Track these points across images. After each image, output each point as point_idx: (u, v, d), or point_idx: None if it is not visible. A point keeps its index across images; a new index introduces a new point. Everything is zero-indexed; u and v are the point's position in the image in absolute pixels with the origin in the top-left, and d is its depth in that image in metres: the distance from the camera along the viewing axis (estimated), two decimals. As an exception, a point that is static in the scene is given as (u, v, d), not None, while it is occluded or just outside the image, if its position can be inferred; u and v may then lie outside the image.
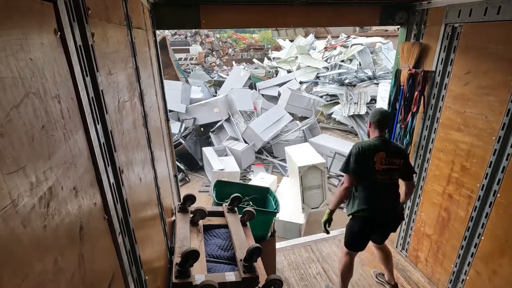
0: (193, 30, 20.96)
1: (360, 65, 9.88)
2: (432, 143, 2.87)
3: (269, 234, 2.86)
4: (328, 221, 2.54)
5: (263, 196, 3.20)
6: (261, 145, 6.88)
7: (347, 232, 2.59)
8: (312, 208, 4.67)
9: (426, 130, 2.91)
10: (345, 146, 6.20)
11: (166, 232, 2.05)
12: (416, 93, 2.86)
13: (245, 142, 6.83)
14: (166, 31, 16.97)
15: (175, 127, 6.83)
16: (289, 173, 5.48)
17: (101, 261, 0.82)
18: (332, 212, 2.52)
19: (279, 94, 9.12)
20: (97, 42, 0.91)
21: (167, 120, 2.97)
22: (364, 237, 2.60)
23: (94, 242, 0.78)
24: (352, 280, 2.97)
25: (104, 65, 0.99)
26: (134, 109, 1.42)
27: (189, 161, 6.52)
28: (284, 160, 6.88)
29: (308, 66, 10.83)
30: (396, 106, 3.16)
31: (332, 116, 8.65)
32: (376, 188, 2.42)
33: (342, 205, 4.99)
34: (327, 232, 2.57)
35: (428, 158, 2.93)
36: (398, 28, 3.20)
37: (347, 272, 2.64)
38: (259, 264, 1.86)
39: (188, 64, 16.88)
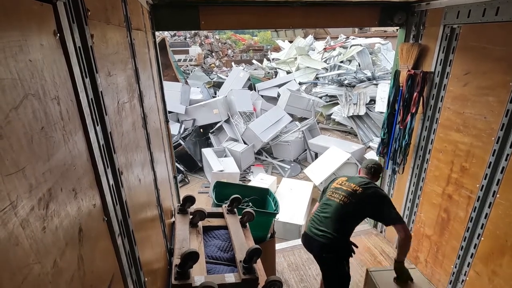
0: (193, 32, 20.96)
1: (359, 66, 9.89)
2: (431, 143, 2.87)
3: (269, 235, 2.86)
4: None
5: (262, 197, 3.20)
6: (261, 146, 6.87)
7: None
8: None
9: (425, 130, 2.91)
10: (345, 146, 6.20)
11: (166, 234, 2.05)
12: (415, 93, 2.86)
13: (245, 143, 6.83)
14: (166, 32, 17.00)
15: (174, 128, 6.82)
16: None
17: (100, 263, 0.82)
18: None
19: (279, 95, 9.12)
20: (97, 44, 0.91)
21: (167, 121, 2.97)
22: (308, 251, 2.48)
23: (94, 243, 0.78)
24: (352, 281, 2.97)
25: (104, 66, 0.99)
26: (134, 111, 1.42)
27: (188, 162, 6.52)
28: (283, 161, 6.89)
29: (308, 67, 10.84)
30: (395, 107, 3.16)
31: (332, 117, 8.66)
32: (324, 205, 2.36)
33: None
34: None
35: (427, 159, 2.93)
36: (397, 29, 3.21)
37: None
38: (258, 266, 1.86)
39: (187, 65, 16.87)
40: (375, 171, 2.53)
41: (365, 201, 2.29)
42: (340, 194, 2.33)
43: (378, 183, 3.76)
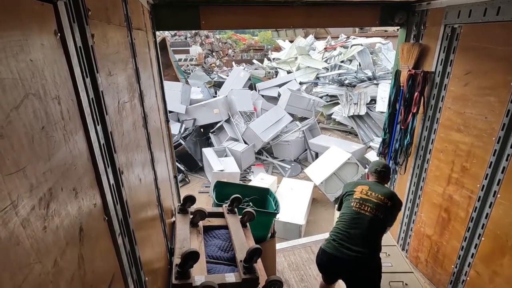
0: (193, 31, 20.98)
1: (360, 65, 9.88)
2: (432, 143, 2.87)
3: (269, 235, 2.85)
4: None
5: (263, 197, 3.20)
6: (261, 146, 6.87)
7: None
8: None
9: (426, 130, 2.91)
10: (345, 146, 6.19)
11: (166, 233, 2.05)
12: (416, 93, 2.86)
13: (245, 142, 6.83)
14: (166, 32, 17.01)
15: (175, 128, 6.82)
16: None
17: (101, 262, 0.82)
18: None
19: (279, 95, 9.12)
20: (97, 43, 0.91)
21: (167, 121, 2.97)
22: (324, 272, 2.36)
23: (94, 243, 0.78)
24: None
25: (104, 66, 0.99)
26: (134, 110, 1.42)
27: (189, 162, 6.52)
28: (283, 160, 6.89)
29: (308, 66, 10.84)
30: (396, 106, 3.16)
31: (332, 116, 8.66)
32: (353, 220, 2.18)
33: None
34: None
35: (428, 159, 2.93)
36: (397, 29, 3.20)
37: None
38: (259, 265, 1.86)
39: (188, 65, 16.89)
40: (384, 174, 2.42)
41: (392, 213, 2.28)
42: (370, 206, 2.19)
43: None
